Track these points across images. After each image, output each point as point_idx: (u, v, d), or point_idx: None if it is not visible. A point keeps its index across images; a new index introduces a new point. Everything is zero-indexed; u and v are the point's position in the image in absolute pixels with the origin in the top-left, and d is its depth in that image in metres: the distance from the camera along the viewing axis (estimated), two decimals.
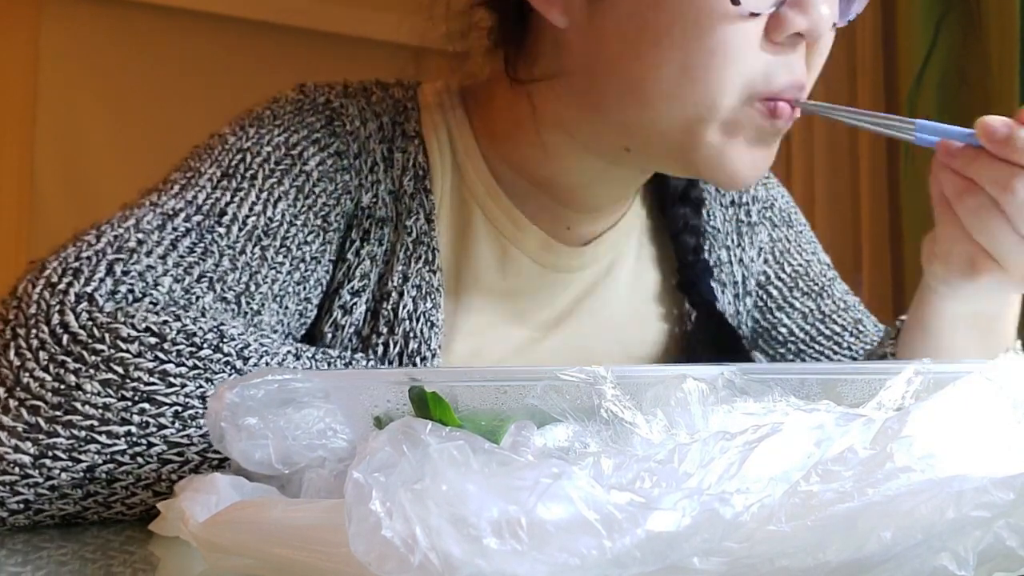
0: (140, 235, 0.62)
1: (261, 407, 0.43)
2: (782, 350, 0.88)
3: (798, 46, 0.65)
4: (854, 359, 0.87)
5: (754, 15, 0.62)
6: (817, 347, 0.88)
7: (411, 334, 0.72)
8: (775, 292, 0.88)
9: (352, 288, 0.72)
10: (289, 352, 0.58)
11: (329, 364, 0.60)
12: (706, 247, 0.85)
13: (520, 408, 0.37)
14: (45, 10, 2.77)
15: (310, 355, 0.59)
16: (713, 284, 0.84)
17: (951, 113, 1.95)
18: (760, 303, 0.88)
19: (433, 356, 0.72)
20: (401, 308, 0.72)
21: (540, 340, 0.78)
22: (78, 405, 0.52)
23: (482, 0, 0.75)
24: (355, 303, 0.72)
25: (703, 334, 0.81)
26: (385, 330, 0.72)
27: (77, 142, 2.77)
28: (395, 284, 0.72)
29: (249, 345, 0.57)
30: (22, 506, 0.51)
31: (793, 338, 0.87)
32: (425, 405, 0.37)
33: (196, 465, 0.52)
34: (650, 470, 0.31)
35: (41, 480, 0.51)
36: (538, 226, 0.77)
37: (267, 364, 0.56)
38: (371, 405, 0.40)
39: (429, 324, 0.72)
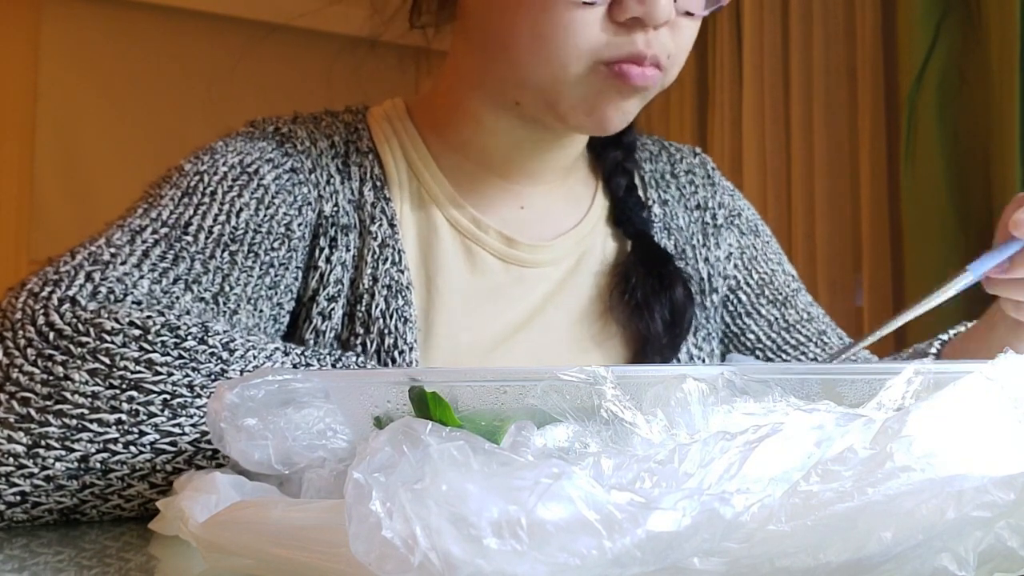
0: (112, 249, 0.65)
1: (261, 407, 0.43)
2: (745, 349, 0.91)
3: (639, 28, 0.70)
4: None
5: (589, 4, 0.69)
6: (784, 356, 0.90)
7: (386, 331, 0.75)
8: (743, 297, 0.91)
9: (328, 294, 0.76)
10: (277, 349, 0.59)
11: (318, 360, 0.60)
12: (669, 240, 0.89)
13: (520, 408, 0.37)
14: (45, 10, 2.77)
15: (298, 352, 0.60)
16: (661, 238, 0.88)
17: (951, 113, 1.95)
18: (731, 307, 0.91)
19: (410, 350, 0.75)
20: (374, 307, 0.75)
21: (515, 334, 0.80)
22: (67, 395, 0.53)
23: None
24: (332, 308, 0.76)
25: (640, 262, 0.85)
26: (361, 330, 0.75)
27: (77, 142, 2.77)
28: (366, 286, 0.76)
29: (235, 339, 0.58)
30: (19, 498, 0.52)
31: (761, 345, 0.90)
32: (425, 405, 0.37)
33: (190, 456, 0.53)
34: (650, 470, 0.31)
35: (36, 470, 0.51)
36: (496, 214, 0.82)
37: (253, 357, 0.57)
38: (371, 405, 0.40)
39: (403, 320, 0.76)
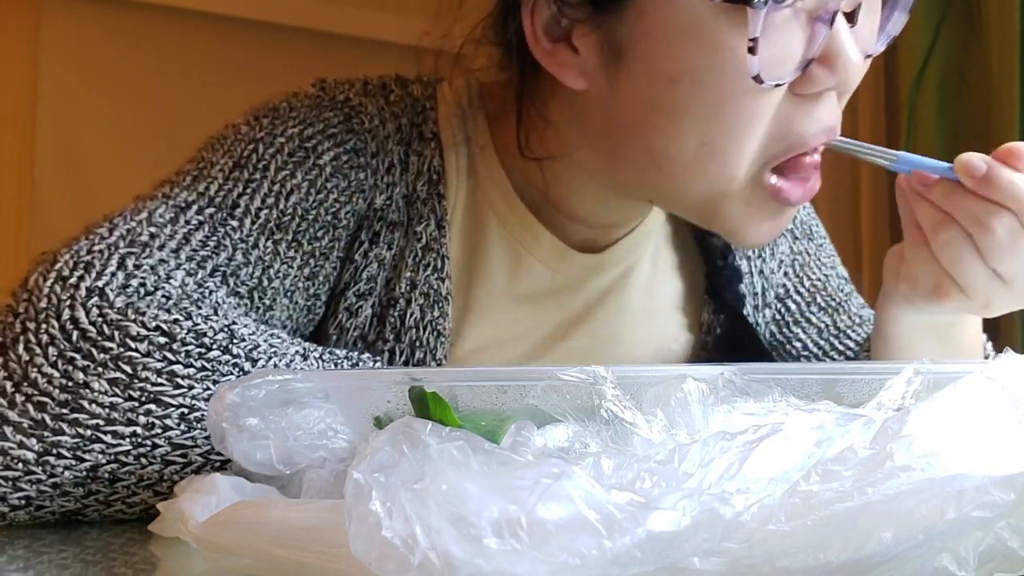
0: (153, 228, 0.62)
1: (262, 407, 0.43)
2: (790, 357, 0.86)
3: (826, 96, 0.62)
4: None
5: (778, 85, 0.60)
6: (827, 357, 0.86)
7: (417, 343, 0.71)
8: (793, 306, 0.86)
9: (358, 291, 0.72)
10: (297, 352, 0.58)
11: (336, 364, 0.60)
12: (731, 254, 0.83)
13: (520, 408, 0.37)
14: (45, 10, 2.77)
15: (317, 355, 0.59)
16: (741, 289, 0.82)
17: (951, 113, 1.95)
18: (778, 316, 0.86)
19: (438, 365, 0.71)
20: (408, 316, 0.71)
21: (548, 350, 0.76)
22: (85, 404, 0.51)
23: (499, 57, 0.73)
24: (360, 306, 0.72)
25: (728, 342, 0.79)
26: (392, 337, 0.71)
27: (77, 142, 2.77)
28: (403, 291, 0.71)
29: (259, 346, 0.56)
30: (23, 502, 0.51)
31: (807, 352, 0.85)
32: (425, 405, 0.37)
33: (199, 467, 0.52)
34: (650, 470, 0.31)
35: (44, 477, 0.51)
36: (553, 224, 0.76)
37: (275, 366, 0.56)
38: (371, 405, 0.40)
39: (435, 334, 0.71)
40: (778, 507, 0.30)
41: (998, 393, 0.34)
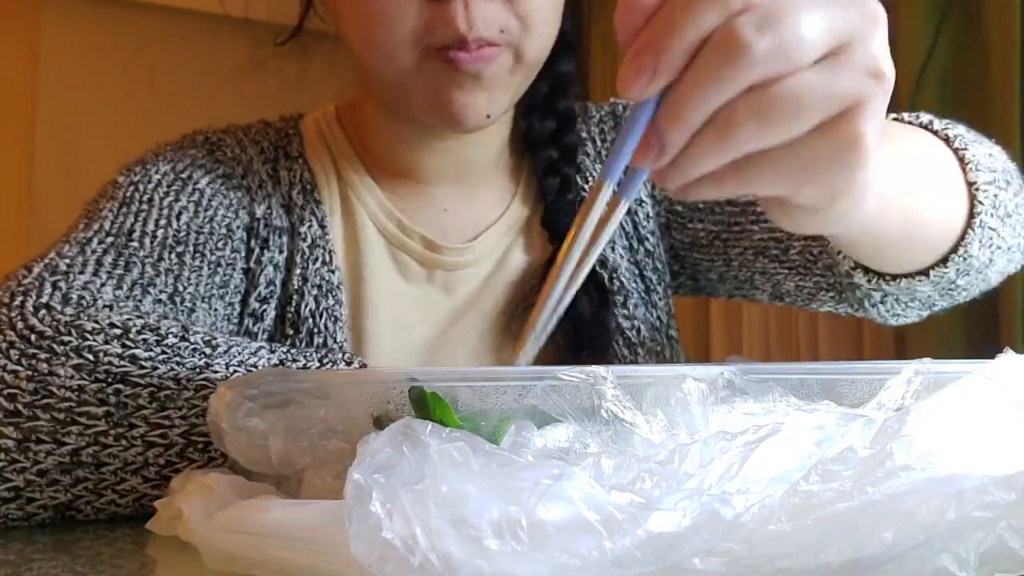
0: (67, 260, 0.66)
1: (261, 408, 0.43)
2: (713, 253, 0.85)
3: (450, 2, 0.68)
4: (789, 236, 0.80)
5: None
6: (736, 228, 0.82)
7: (315, 330, 0.76)
8: (679, 207, 0.86)
9: (259, 295, 0.76)
10: (262, 347, 0.59)
11: (304, 357, 0.60)
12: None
13: (520, 408, 0.37)
14: (45, 10, 2.77)
15: (284, 349, 0.60)
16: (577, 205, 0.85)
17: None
18: (672, 222, 0.86)
19: (340, 350, 0.75)
20: (303, 307, 0.76)
21: (440, 338, 0.80)
22: (54, 389, 0.53)
23: None
24: (264, 310, 0.76)
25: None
26: (291, 331, 0.76)
27: (77, 142, 2.77)
28: (296, 287, 0.77)
29: (216, 337, 0.58)
30: (12, 494, 0.52)
31: (715, 232, 0.83)
32: (425, 405, 0.37)
33: (181, 449, 0.53)
34: (650, 471, 0.31)
35: (28, 465, 0.52)
36: (420, 218, 0.82)
37: (237, 353, 0.57)
38: (371, 405, 0.40)
39: (332, 319, 0.76)
40: (778, 507, 0.30)
41: (998, 393, 0.34)
